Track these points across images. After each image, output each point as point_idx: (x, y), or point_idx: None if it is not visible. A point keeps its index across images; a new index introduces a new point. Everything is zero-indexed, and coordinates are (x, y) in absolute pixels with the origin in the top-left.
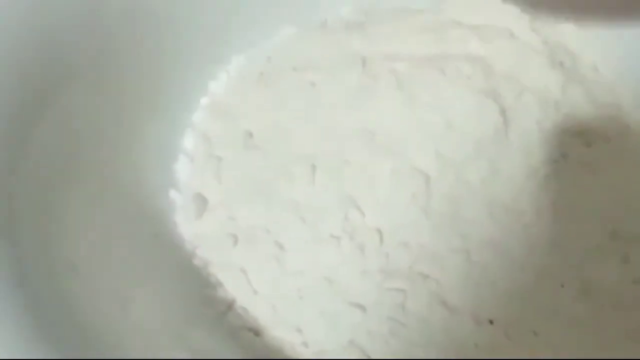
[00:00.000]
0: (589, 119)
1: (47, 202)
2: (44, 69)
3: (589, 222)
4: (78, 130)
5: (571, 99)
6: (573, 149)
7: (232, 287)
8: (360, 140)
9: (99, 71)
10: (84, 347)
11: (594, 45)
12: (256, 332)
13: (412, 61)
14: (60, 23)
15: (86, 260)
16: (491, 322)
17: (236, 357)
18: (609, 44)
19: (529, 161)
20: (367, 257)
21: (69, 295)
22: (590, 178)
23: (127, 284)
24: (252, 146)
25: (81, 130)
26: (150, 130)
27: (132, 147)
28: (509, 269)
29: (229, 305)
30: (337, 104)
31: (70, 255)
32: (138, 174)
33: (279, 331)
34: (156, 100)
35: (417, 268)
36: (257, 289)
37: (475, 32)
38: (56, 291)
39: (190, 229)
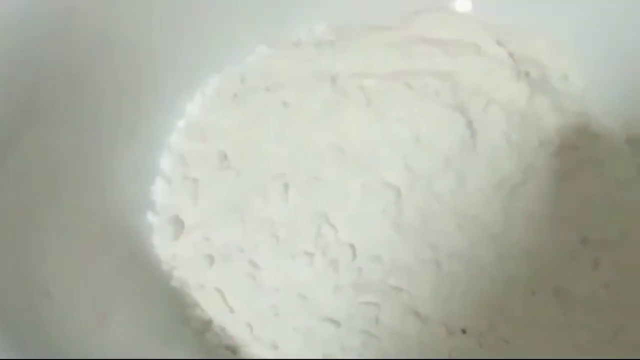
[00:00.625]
0: (556, 129)
1: (23, 226)
2: (20, 94)
3: (559, 229)
4: (54, 154)
5: (538, 109)
6: (541, 158)
7: (209, 307)
8: (331, 156)
9: (75, 96)
10: None
11: (564, 55)
12: (233, 350)
13: (380, 77)
14: (36, 50)
15: (61, 285)
16: (464, 331)
17: None
18: (578, 53)
19: (497, 172)
20: (340, 272)
21: (43, 320)
22: (558, 186)
23: (102, 307)
24: (227, 166)
25: (58, 153)
26: (127, 153)
27: (109, 170)
28: (479, 278)
29: (206, 325)
30: (308, 121)
31: (44, 281)
32: (115, 197)
33: (255, 348)
34: (133, 123)
35: (389, 281)
36: (233, 307)
37: (441, 47)
38: (30, 316)
39: (167, 250)
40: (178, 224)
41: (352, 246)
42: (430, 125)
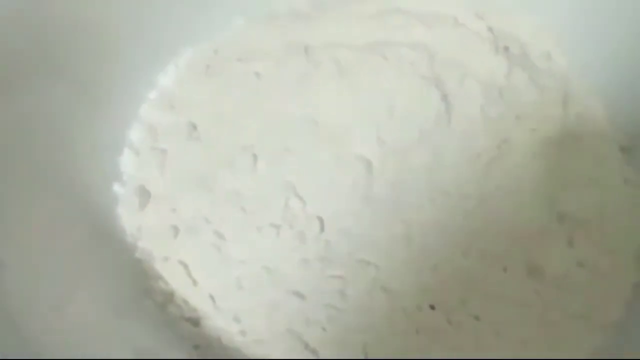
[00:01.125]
0: (534, 104)
1: None
2: None
3: (534, 206)
4: (16, 123)
5: (516, 84)
6: (517, 133)
7: (172, 279)
8: (303, 128)
9: (40, 64)
10: (17, 345)
11: (547, 33)
12: (195, 323)
13: (354, 48)
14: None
15: (18, 255)
16: (432, 307)
17: (175, 348)
18: (562, 30)
19: (472, 147)
20: (307, 245)
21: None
22: (534, 162)
23: (64, 280)
24: (196, 138)
25: (20, 122)
26: (95, 124)
27: (76, 141)
28: (451, 254)
29: (169, 297)
30: (280, 93)
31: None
32: (80, 168)
33: (218, 321)
34: (103, 94)
35: (357, 255)
36: (196, 279)
37: (418, 19)
38: None
39: (133, 221)
40: (144, 195)
41: (320, 219)
42: (405, 98)
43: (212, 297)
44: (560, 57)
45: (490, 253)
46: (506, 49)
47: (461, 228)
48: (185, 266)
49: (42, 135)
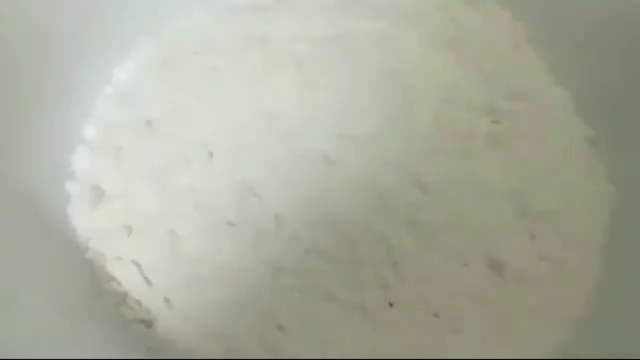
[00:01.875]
0: (498, 96)
1: None
2: None
3: (496, 199)
4: None
5: (480, 77)
6: (480, 126)
7: (125, 280)
8: (259, 123)
9: None
10: None
11: (516, 24)
12: (148, 324)
13: (314, 41)
14: None
15: None
16: (391, 304)
17: (128, 350)
18: (531, 21)
19: (433, 140)
20: (264, 243)
21: None
22: (497, 155)
23: (13, 279)
24: (152, 133)
25: None
26: (48, 120)
27: (26, 138)
28: (410, 249)
29: (122, 298)
30: (236, 87)
31: None
32: (30, 166)
33: (171, 321)
34: (57, 90)
35: (315, 252)
36: (150, 279)
37: (379, 12)
38: None
39: (85, 221)
40: (98, 193)
41: (277, 216)
42: (365, 92)
43: (166, 298)
44: (528, 49)
45: (450, 248)
46: (471, 41)
47: (421, 223)
48: (139, 265)
49: None
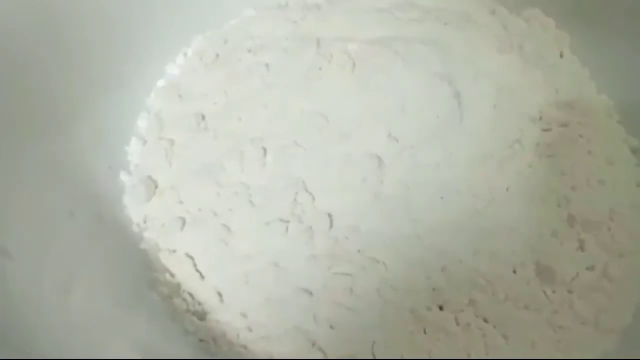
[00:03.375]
0: (547, 104)
1: None
2: None
3: (545, 207)
4: (25, 110)
5: (530, 84)
6: (529, 133)
7: (178, 271)
8: (312, 122)
9: (49, 50)
10: (18, 336)
11: (560, 32)
12: (201, 317)
13: (366, 43)
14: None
15: (23, 244)
16: (441, 308)
17: (179, 341)
18: (575, 29)
19: (483, 146)
20: (316, 241)
21: (2, 279)
22: (546, 163)
23: (68, 267)
24: (204, 128)
25: (28, 109)
26: (102, 112)
27: (83, 129)
28: (460, 254)
29: (174, 290)
30: (290, 85)
31: (5, 240)
32: (88, 155)
33: (224, 315)
34: (110, 82)
35: (366, 253)
36: (203, 273)
37: (432, 14)
38: None
39: (139, 211)
40: (151, 185)
41: (329, 215)
42: (416, 94)
43: (218, 292)
44: (572, 58)
45: (500, 254)
46: (520, 47)
47: (471, 228)
48: (192, 259)
49: (48, 122)
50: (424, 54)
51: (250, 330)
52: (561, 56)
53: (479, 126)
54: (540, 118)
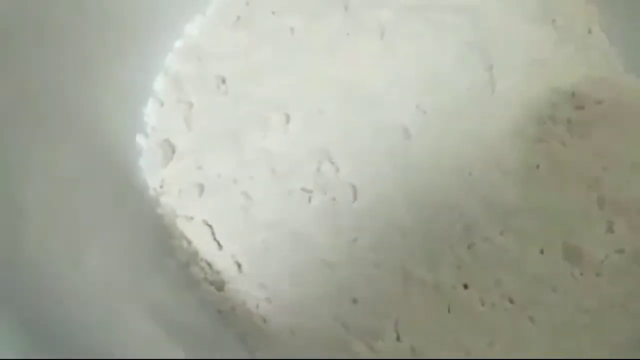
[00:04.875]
0: (580, 80)
1: (5, 143)
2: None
3: (576, 187)
4: (41, 71)
5: (563, 58)
6: (562, 110)
7: (196, 239)
8: (338, 90)
9: (70, 11)
10: (32, 294)
11: (590, 7)
12: (218, 287)
13: (396, 9)
14: None
15: (38, 206)
16: (466, 286)
17: (196, 310)
18: (604, 6)
19: (515, 120)
20: (339, 213)
21: (17, 242)
22: (579, 142)
23: (83, 230)
24: (225, 92)
25: (44, 71)
26: (118, 72)
27: (98, 89)
28: (487, 231)
29: (192, 258)
30: (315, 50)
31: (19, 201)
32: (103, 116)
33: (242, 285)
34: (126, 42)
35: (391, 226)
36: (221, 241)
37: None
38: (2, 238)
39: (156, 175)
40: (169, 149)
41: (353, 187)
42: (447, 64)
43: (237, 261)
44: (600, 35)
45: (527, 233)
46: (554, 21)
47: (499, 205)
48: (210, 227)
49: (64, 83)
50: (456, 23)
51: (269, 301)
52: (589, 32)
53: (510, 99)
54: (573, 94)
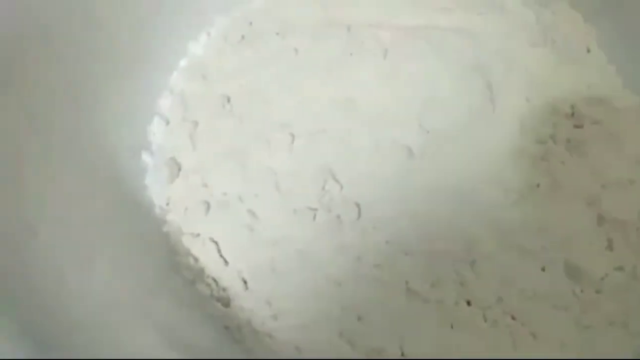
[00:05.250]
0: (580, 100)
1: (10, 160)
2: (19, 23)
3: (575, 205)
4: (48, 88)
5: (563, 79)
6: (562, 129)
7: (202, 256)
8: (342, 109)
9: (72, 27)
10: (39, 310)
11: (588, 26)
12: (225, 303)
13: (398, 30)
14: None
15: (47, 223)
16: (469, 303)
17: (203, 327)
18: (602, 26)
19: (515, 140)
20: (344, 231)
21: (26, 259)
22: (578, 160)
23: (90, 249)
24: (229, 111)
25: (51, 87)
26: (124, 91)
27: (104, 107)
28: (489, 249)
29: (198, 275)
30: (319, 71)
31: (29, 218)
32: (109, 134)
33: (249, 303)
34: (132, 61)
35: (395, 244)
36: (227, 259)
37: (465, 3)
38: (12, 254)
39: (162, 193)
40: (174, 167)
41: (357, 205)
42: (448, 85)
43: (243, 278)
44: (599, 53)
45: (529, 251)
46: (553, 41)
47: (501, 223)
48: (216, 244)
49: (70, 101)
50: (457, 44)
51: (275, 318)
52: (588, 51)
53: (511, 119)
54: (573, 114)
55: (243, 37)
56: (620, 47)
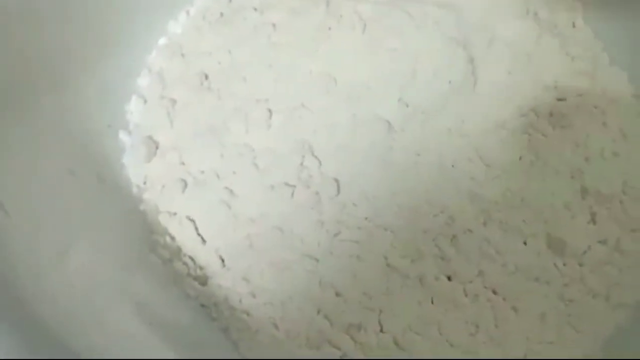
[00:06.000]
0: (562, 73)
1: None
2: None
3: (558, 178)
4: (21, 66)
5: (545, 51)
6: (544, 102)
7: (179, 235)
8: (320, 84)
9: (50, 6)
10: (17, 293)
11: (573, 1)
12: (202, 282)
13: (377, 3)
14: None
15: (19, 202)
16: (449, 278)
17: (180, 306)
18: (588, 1)
19: (497, 113)
20: (322, 207)
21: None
22: (561, 133)
23: (66, 228)
24: (207, 88)
25: (25, 65)
26: (102, 70)
27: (83, 87)
28: (470, 224)
29: (175, 254)
30: (297, 46)
31: (1, 196)
32: (86, 113)
33: (226, 280)
34: (110, 40)
35: (374, 220)
36: (204, 236)
37: None
38: None
39: (139, 172)
40: (152, 145)
41: (336, 181)
42: (429, 58)
43: (220, 256)
44: (585, 28)
45: (510, 225)
46: (536, 14)
47: (482, 197)
48: (193, 222)
49: (47, 79)
50: (438, 17)
51: (253, 295)
52: (574, 26)
53: (492, 93)
54: (556, 87)
55: (222, 14)
56: (608, 24)
